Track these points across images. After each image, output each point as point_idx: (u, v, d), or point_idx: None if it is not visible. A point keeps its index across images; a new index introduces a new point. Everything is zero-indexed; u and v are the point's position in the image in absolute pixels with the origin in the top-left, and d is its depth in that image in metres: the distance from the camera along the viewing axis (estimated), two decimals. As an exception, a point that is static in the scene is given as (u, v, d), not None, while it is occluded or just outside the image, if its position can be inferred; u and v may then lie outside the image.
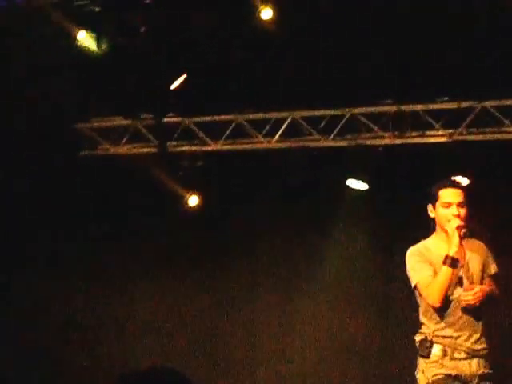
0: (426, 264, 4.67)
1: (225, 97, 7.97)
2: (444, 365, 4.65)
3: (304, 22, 7.14)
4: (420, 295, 4.71)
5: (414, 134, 7.78)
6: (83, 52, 7.39)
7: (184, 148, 8.60)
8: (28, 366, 8.96)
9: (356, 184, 8.15)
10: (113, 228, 8.98)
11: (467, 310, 4.61)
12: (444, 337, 4.66)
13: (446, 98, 7.61)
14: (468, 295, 4.55)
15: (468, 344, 4.63)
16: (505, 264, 4.93)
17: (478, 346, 4.65)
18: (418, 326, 4.77)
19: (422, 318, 4.75)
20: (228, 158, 8.54)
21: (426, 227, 4.81)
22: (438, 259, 4.63)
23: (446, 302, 4.62)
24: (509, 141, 7.58)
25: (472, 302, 4.55)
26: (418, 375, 4.72)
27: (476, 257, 4.71)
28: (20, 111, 8.21)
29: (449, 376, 4.64)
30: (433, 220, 4.76)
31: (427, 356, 4.68)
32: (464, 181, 4.96)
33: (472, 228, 4.68)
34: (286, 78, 7.49)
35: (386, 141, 7.83)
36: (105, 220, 8.96)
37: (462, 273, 4.64)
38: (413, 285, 4.70)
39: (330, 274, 8.72)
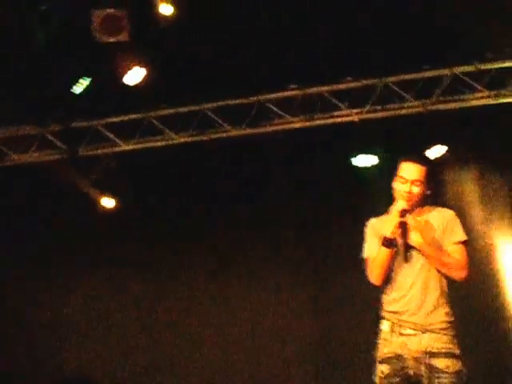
0: (375, 239, 4.55)
1: (133, 95, 7.97)
2: (392, 342, 4.48)
3: (203, 16, 7.25)
4: None
5: (322, 115, 7.96)
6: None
7: (95, 151, 8.57)
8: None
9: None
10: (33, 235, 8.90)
11: (420, 284, 4.45)
12: (391, 312, 4.52)
13: (350, 78, 7.81)
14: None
15: (415, 319, 4.44)
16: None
17: (429, 321, 4.43)
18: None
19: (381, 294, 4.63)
20: (141, 158, 8.55)
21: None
22: None
23: (391, 278, 4.50)
24: (412, 115, 7.86)
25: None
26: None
27: (432, 230, 4.52)
28: None
29: (395, 355, 4.46)
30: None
31: (379, 333, 4.55)
32: (430, 156, 4.72)
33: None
34: (191, 71, 7.55)
35: (297, 125, 7.99)
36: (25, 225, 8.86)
37: (409, 249, 4.47)
38: (362, 258, 4.61)
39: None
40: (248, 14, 7.16)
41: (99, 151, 8.55)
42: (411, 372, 4.42)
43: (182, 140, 8.27)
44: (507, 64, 7.65)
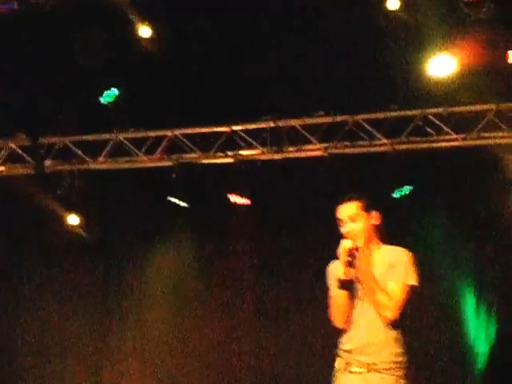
0: (333, 283, 4.56)
1: (104, 115, 7.97)
2: (340, 380, 4.51)
3: (183, 42, 7.28)
4: None
5: (291, 148, 8.01)
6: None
7: (62, 167, 8.53)
8: None
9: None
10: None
11: (368, 323, 4.44)
12: (343, 350, 4.53)
13: (322, 113, 7.87)
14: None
15: (361, 358, 4.44)
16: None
17: (374, 360, 4.41)
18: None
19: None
20: (107, 176, 8.53)
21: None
22: None
23: (349, 317, 4.49)
24: (381, 153, 7.94)
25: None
26: None
27: (379, 269, 4.50)
28: None
29: None
30: None
31: (333, 370, 4.57)
32: (357, 194, 4.75)
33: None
34: (167, 95, 7.57)
35: (265, 156, 8.03)
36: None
37: (361, 287, 4.47)
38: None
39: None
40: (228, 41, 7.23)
41: (66, 167, 8.51)
42: None
43: (150, 164, 8.26)
44: (476, 107, 7.78)
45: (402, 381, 4.42)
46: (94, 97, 7.94)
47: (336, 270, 4.54)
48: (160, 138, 8.19)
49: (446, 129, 7.79)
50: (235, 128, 7.97)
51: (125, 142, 8.30)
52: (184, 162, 8.15)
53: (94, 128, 8.28)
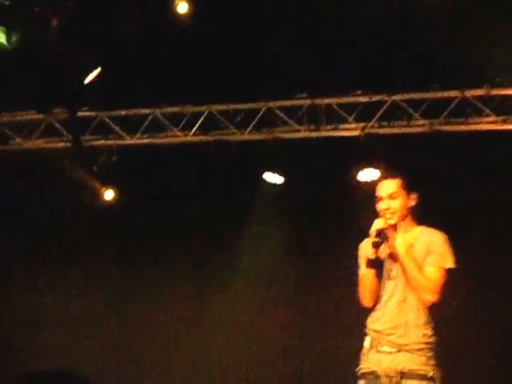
0: (362, 261, 4.62)
1: (141, 90, 7.97)
2: (369, 358, 4.53)
3: (218, 16, 7.24)
4: None
5: (328, 127, 7.95)
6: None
7: (99, 142, 8.57)
8: None
9: (272, 177, 8.27)
10: (27, 223, 8.86)
11: (400, 304, 4.47)
12: (373, 330, 4.55)
13: (359, 92, 7.79)
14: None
15: (392, 338, 4.45)
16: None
17: (405, 341, 4.43)
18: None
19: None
20: (144, 152, 8.54)
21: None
22: None
23: (379, 296, 4.53)
24: (418, 134, 7.84)
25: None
26: None
27: (416, 251, 4.50)
28: None
29: (371, 371, 4.50)
30: None
31: (362, 349, 4.60)
32: (399, 172, 4.60)
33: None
34: (203, 71, 7.55)
35: (302, 134, 7.98)
36: (18, 215, 8.83)
37: (393, 267, 4.52)
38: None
39: (245, 273, 8.79)
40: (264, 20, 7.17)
41: (103, 143, 8.55)
42: None
43: (187, 139, 8.25)
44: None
45: (432, 361, 4.45)
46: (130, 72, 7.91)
47: (366, 249, 4.59)
48: (197, 115, 8.16)
49: (486, 110, 7.69)
50: (271, 105, 7.93)
51: (162, 117, 8.30)
52: (221, 139, 8.14)
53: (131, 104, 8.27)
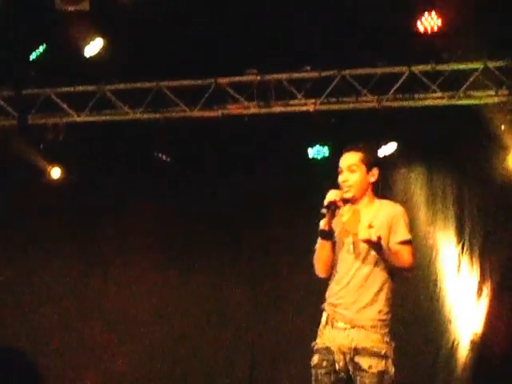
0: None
1: (89, 67, 7.88)
2: (324, 334, 4.50)
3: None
4: None
5: (278, 103, 7.96)
6: None
7: (46, 120, 8.45)
8: None
9: None
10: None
11: (358, 280, 4.43)
12: (329, 304, 4.52)
13: (308, 68, 7.82)
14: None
15: (347, 313, 4.42)
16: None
17: (360, 317, 4.40)
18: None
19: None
20: (90, 130, 8.45)
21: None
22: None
23: (335, 271, 4.51)
24: (367, 110, 7.91)
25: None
26: None
27: (376, 226, 4.38)
28: None
29: (324, 347, 4.46)
30: None
31: (319, 324, 4.57)
32: (361, 146, 4.54)
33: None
34: (152, 47, 7.48)
35: (252, 110, 7.98)
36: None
37: (351, 241, 4.47)
38: None
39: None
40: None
41: (50, 120, 8.43)
42: (337, 366, 4.42)
43: (136, 116, 8.19)
44: (462, 66, 7.75)
45: (386, 338, 4.43)
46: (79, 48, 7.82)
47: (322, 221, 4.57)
48: (146, 91, 8.10)
49: (433, 87, 7.79)
50: (221, 81, 7.91)
51: (110, 94, 8.22)
52: (170, 117, 8.09)
53: (79, 80, 8.17)
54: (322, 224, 4.48)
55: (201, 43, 7.38)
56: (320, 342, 4.50)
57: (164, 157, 8.46)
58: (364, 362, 4.35)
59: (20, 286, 9.04)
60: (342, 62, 7.69)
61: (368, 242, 4.29)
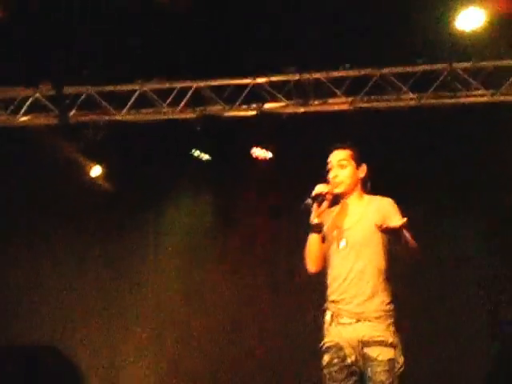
0: None
1: (128, 65, 7.91)
2: (330, 332, 4.56)
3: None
4: None
5: (316, 101, 7.91)
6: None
7: (86, 118, 8.51)
8: None
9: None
10: (13, 199, 8.84)
11: (356, 273, 4.51)
12: (331, 301, 4.59)
13: (348, 66, 7.76)
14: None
15: (350, 307, 4.50)
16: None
17: (364, 309, 4.48)
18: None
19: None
20: (131, 128, 8.50)
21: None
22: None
23: (331, 268, 4.58)
24: (408, 107, 7.83)
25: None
26: None
27: (366, 218, 4.58)
28: None
29: (334, 344, 4.53)
30: None
31: (323, 324, 4.64)
32: (350, 143, 4.77)
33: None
34: (191, 46, 7.49)
35: (290, 109, 7.94)
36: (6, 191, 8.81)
37: (344, 236, 4.58)
38: None
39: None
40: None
41: (90, 118, 8.49)
42: (349, 360, 4.49)
43: (174, 116, 8.20)
44: (505, 63, 7.63)
45: (392, 328, 4.50)
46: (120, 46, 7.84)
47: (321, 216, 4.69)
48: (184, 90, 8.10)
49: (474, 83, 7.69)
50: (259, 80, 7.89)
51: (149, 93, 8.25)
52: (208, 115, 8.10)
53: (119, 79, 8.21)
54: (312, 217, 4.58)
55: (238, 42, 7.37)
56: (328, 341, 4.57)
57: (203, 155, 8.45)
58: (372, 351, 4.43)
59: (58, 280, 9.13)
60: (381, 60, 7.61)
61: (401, 227, 4.34)
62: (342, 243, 4.56)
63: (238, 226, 8.78)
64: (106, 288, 9.12)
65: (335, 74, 7.81)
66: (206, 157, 8.38)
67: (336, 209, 4.69)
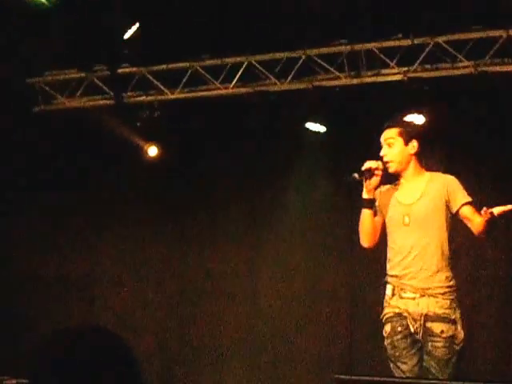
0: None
1: (179, 44, 7.90)
2: (391, 304, 4.63)
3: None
4: None
5: (369, 73, 7.78)
6: (32, 4, 7.24)
7: (141, 98, 8.55)
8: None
9: (315, 127, 8.15)
10: (75, 181, 8.93)
11: (420, 248, 4.56)
12: (392, 276, 4.65)
13: (400, 35, 7.59)
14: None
15: (414, 282, 4.55)
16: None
17: (429, 285, 4.53)
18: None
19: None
20: (186, 106, 8.50)
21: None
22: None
23: (393, 243, 4.66)
24: (463, 76, 7.63)
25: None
26: None
27: (429, 195, 4.64)
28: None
29: (395, 314, 4.60)
30: None
31: (384, 297, 4.73)
32: (398, 121, 4.93)
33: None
34: (240, 22, 7.43)
35: (343, 81, 7.83)
36: (65, 173, 8.90)
37: (406, 212, 4.64)
38: None
39: (293, 222, 8.69)
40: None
41: (144, 98, 8.53)
42: (412, 328, 4.55)
43: (228, 91, 8.16)
44: None
45: (454, 304, 4.57)
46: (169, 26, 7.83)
47: (380, 195, 4.86)
48: (236, 66, 8.05)
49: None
50: (310, 53, 7.78)
51: (201, 70, 8.23)
52: (260, 90, 8.04)
53: (167, 58, 8.21)
54: (364, 192, 4.68)
55: (287, 15, 7.27)
56: (389, 311, 4.65)
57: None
58: (436, 327, 4.49)
59: (116, 263, 9.19)
60: (434, 28, 7.42)
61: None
62: (406, 219, 4.60)
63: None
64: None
65: (387, 43, 7.65)
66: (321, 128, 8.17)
67: (396, 185, 4.75)
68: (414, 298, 4.55)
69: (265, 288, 8.79)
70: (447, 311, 4.53)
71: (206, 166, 8.87)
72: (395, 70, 7.68)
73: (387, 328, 4.64)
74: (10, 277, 9.06)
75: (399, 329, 4.58)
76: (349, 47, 7.70)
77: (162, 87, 8.43)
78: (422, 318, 4.52)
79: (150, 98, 8.54)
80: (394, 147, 4.69)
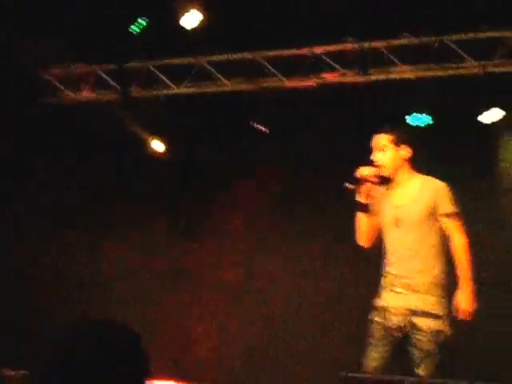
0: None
1: (187, 39, 7.90)
2: (382, 295, 4.87)
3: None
4: None
5: (376, 71, 7.74)
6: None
7: (147, 92, 8.55)
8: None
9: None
10: (82, 176, 8.94)
11: (410, 249, 4.74)
12: (387, 273, 4.87)
13: (407, 34, 7.57)
14: None
15: (406, 281, 4.75)
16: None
17: (416, 282, 4.73)
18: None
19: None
20: (192, 101, 8.50)
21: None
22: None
23: (387, 242, 4.85)
24: (467, 76, 7.61)
25: None
26: None
27: (422, 198, 4.78)
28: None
29: (383, 307, 4.84)
30: None
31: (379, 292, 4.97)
32: (390, 127, 4.99)
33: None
34: (247, 18, 7.42)
35: (350, 79, 7.81)
36: (72, 167, 8.92)
37: (398, 214, 4.79)
38: None
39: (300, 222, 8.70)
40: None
41: (151, 93, 8.53)
42: (390, 324, 4.78)
43: (234, 87, 8.16)
44: None
45: (443, 300, 4.74)
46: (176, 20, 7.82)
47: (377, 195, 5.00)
48: (243, 62, 8.05)
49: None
50: (317, 51, 7.77)
51: (208, 66, 8.22)
52: (267, 87, 8.03)
53: (175, 52, 8.20)
54: (357, 196, 4.86)
55: (297, 12, 7.26)
56: (378, 301, 4.90)
57: (261, 128, 8.38)
58: (421, 322, 4.68)
59: (125, 257, 9.16)
60: (441, 27, 7.40)
61: None
62: (398, 220, 4.77)
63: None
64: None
65: (395, 42, 7.63)
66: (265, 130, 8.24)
67: (389, 188, 4.90)
68: (403, 294, 4.74)
69: (274, 289, 8.78)
70: (434, 307, 4.69)
71: (211, 161, 8.86)
72: (403, 68, 7.65)
73: (372, 315, 4.88)
74: (10, 276, 9.08)
75: (378, 320, 4.81)
76: (356, 45, 7.67)
77: (168, 81, 8.41)
78: (410, 312, 4.70)
79: (156, 92, 8.52)
80: (386, 153, 4.84)
